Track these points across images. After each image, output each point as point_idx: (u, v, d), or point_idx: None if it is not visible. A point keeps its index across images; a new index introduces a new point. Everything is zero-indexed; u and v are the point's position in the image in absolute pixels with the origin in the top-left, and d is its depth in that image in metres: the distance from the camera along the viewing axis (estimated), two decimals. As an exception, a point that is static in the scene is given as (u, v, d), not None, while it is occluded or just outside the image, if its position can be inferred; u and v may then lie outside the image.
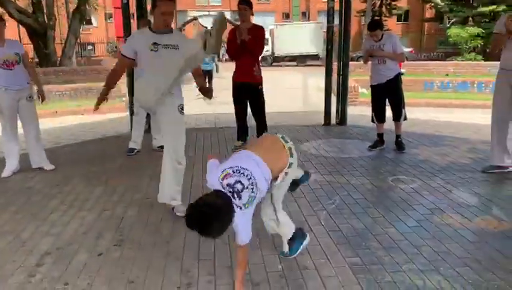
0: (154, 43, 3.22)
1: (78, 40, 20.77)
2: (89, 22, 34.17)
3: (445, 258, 2.77)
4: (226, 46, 5.55)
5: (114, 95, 12.58)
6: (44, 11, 16.43)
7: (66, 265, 2.76)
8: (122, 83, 13.63)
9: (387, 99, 5.40)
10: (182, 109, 3.44)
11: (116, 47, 34.97)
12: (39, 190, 4.21)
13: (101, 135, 7.71)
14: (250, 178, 2.17)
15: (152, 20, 4.41)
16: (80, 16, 16.49)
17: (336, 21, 6.82)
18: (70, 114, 10.58)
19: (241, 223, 2.19)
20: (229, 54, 5.56)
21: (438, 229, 3.20)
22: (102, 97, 3.54)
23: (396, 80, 5.27)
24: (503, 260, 2.74)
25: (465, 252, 2.86)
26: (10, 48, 4.44)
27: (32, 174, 4.66)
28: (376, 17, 32.65)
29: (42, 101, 4.84)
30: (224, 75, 22.09)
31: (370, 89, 5.56)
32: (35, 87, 4.84)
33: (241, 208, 2.14)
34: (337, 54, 6.96)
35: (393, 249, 2.91)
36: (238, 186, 2.13)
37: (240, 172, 2.18)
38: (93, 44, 34.76)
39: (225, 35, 4.08)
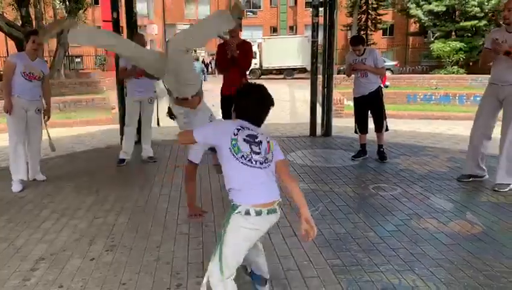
0: None
1: (66, 53, 20.84)
2: (77, 35, 34.16)
3: (420, 259, 2.95)
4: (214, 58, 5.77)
5: (103, 108, 12.73)
6: (33, 24, 16.51)
7: (60, 269, 2.87)
8: (112, 95, 13.76)
9: (369, 111, 5.62)
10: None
11: (104, 60, 35.08)
12: (31, 199, 4.31)
13: (91, 146, 7.81)
14: None
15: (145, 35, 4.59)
16: (69, 29, 16.57)
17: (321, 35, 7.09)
18: (59, 126, 10.63)
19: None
20: (218, 68, 5.74)
21: (415, 233, 3.38)
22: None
23: (378, 92, 5.50)
24: (473, 260, 2.93)
25: (439, 253, 3.04)
26: (39, 64, 4.71)
27: (25, 184, 4.74)
28: (360, 33, 33.38)
29: (47, 118, 4.95)
30: (206, 88, 22.37)
31: (353, 101, 5.78)
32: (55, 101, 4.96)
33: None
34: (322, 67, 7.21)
35: (372, 251, 3.08)
36: None
37: None
38: (81, 56, 34.77)
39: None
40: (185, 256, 3.04)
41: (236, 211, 2.06)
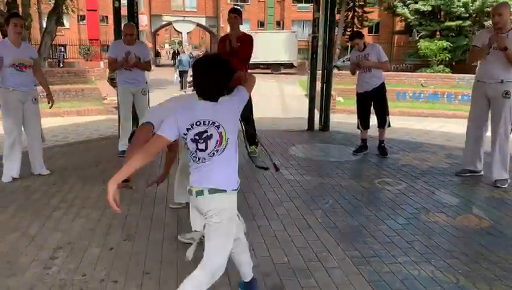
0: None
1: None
2: (61, 24, 33.53)
3: (435, 252, 3.03)
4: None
5: (94, 98, 12.56)
6: (20, 11, 16.10)
7: (80, 258, 2.85)
8: (102, 85, 13.60)
9: (371, 107, 5.69)
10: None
11: (88, 50, 34.51)
12: (36, 189, 4.25)
13: (85, 136, 7.72)
14: None
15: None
16: (57, 17, 16.24)
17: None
18: (49, 116, 10.44)
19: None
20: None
21: (426, 226, 3.46)
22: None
23: (382, 88, 5.57)
24: (486, 252, 3.02)
25: (453, 246, 3.13)
26: (25, 51, 4.46)
27: (27, 173, 4.65)
28: (347, 30, 33.62)
29: (51, 104, 4.75)
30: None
31: (356, 96, 5.83)
32: (41, 91, 4.80)
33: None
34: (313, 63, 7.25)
35: (387, 243, 3.15)
36: None
37: None
38: (64, 46, 34.11)
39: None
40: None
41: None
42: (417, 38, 30.35)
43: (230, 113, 2.07)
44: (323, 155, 5.76)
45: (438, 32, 29.28)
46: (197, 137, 2.00)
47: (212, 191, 2.03)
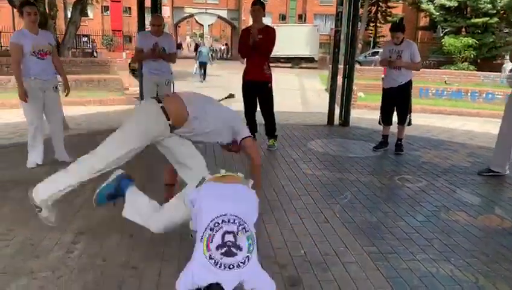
0: None
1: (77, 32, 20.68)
2: (85, 14, 33.99)
3: (455, 250, 2.99)
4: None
5: (116, 88, 12.73)
6: (46, 0, 16.37)
7: (101, 243, 2.92)
8: (124, 76, 13.78)
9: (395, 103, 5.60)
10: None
11: (111, 40, 34.95)
12: (60, 174, 4.33)
13: (108, 126, 7.82)
14: None
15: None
16: (81, 8, 16.45)
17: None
18: (72, 104, 10.64)
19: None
20: (241, 53, 5.72)
21: (446, 225, 3.42)
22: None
23: (408, 86, 5.47)
24: (508, 253, 2.98)
25: (473, 245, 3.08)
26: (44, 37, 4.49)
27: (50, 160, 4.76)
28: (369, 25, 33.16)
29: (67, 92, 4.79)
30: (218, 73, 22.36)
31: (382, 92, 5.75)
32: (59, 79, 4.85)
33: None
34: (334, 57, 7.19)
35: (406, 240, 3.12)
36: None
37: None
38: (88, 36, 34.61)
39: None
40: (222, 236, 3.08)
41: None
42: (441, 34, 29.75)
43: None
44: (343, 150, 5.73)
45: (463, 29, 28.64)
46: (221, 243, 1.89)
47: None
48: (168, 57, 5.53)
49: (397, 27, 5.53)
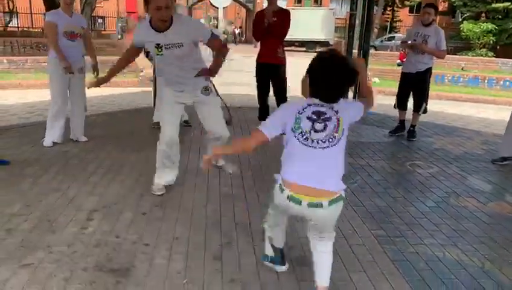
0: (158, 45, 3.10)
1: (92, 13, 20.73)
2: (100, -5, 33.99)
3: (463, 236, 3.01)
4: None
5: (130, 70, 12.77)
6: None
7: (114, 221, 3.00)
8: (140, 59, 13.83)
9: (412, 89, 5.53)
10: (206, 90, 3.47)
11: (126, 22, 34.94)
12: (75, 154, 4.44)
13: (121, 107, 7.92)
14: None
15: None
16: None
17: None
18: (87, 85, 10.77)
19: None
20: (255, 36, 5.71)
21: (455, 211, 3.43)
22: (103, 81, 3.65)
23: (426, 73, 5.37)
24: (516, 240, 2.98)
25: (481, 231, 3.10)
26: (77, 20, 4.61)
27: (65, 139, 4.84)
28: (387, 9, 32.48)
29: (97, 74, 4.83)
30: (233, 57, 22.25)
31: (400, 75, 5.67)
32: (88, 61, 4.89)
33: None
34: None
35: (414, 225, 3.15)
36: None
37: None
38: (103, 18, 34.67)
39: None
40: (231, 217, 3.14)
41: (277, 184, 2.05)
42: (460, 20, 29.10)
43: (350, 111, 2.02)
44: (355, 135, 5.72)
45: (483, 14, 27.96)
46: (314, 116, 1.94)
47: (329, 197, 1.95)
48: None
49: (431, 4, 5.37)
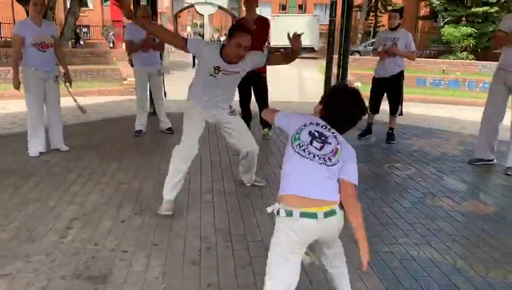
0: (217, 68, 3.12)
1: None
2: (85, 5, 33.86)
3: (437, 235, 3.09)
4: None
5: (115, 78, 12.78)
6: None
7: (93, 229, 3.02)
8: (123, 66, 13.79)
9: (385, 93, 5.65)
10: (232, 111, 3.51)
11: (110, 31, 34.83)
12: (56, 163, 4.44)
13: (104, 116, 7.91)
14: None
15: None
16: (80, -2, 16.46)
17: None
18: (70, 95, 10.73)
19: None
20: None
21: (430, 210, 3.52)
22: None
23: (400, 76, 5.51)
24: (488, 237, 3.07)
25: (455, 230, 3.18)
26: (46, 29, 4.56)
27: (46, 149, 4.83)
28: (370, 14, 32.88)
29: (70, 84, 4.84)
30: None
31: (372, 80, 5.81)
32: (62, 70, 4.88)
33: None
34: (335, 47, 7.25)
35: (390, 225, 3.22)
36: None
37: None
38: (88, 27, 34.53)
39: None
40: (211, 222, 3.18)
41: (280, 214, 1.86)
42: (442, 24, 29.60)
43: (348, 157, 1.95)
44: (336, 139, 5.81)
45: (463, 18, 28.49)
46: (316, 134, 1.92)
47: (327, 209, 1.84)
48: (157, 46, 5.56)
49: (395, 9, 5.56)
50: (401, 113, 5.68)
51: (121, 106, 9.24)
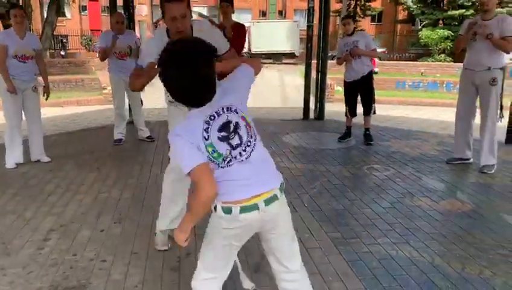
0: None
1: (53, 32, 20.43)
2: (63, 14, 33.49)
3: (415, 233, 3.13)
4: None
5: (94, 88, 12.67)
6: (20, 1, 16.16)
7: (72, 239, 2.98)
8: (102, 75, 13.70)
9: (359, 95, 5.75)
10: None
11: (90, 40, 34.52)
12: (34, 175, 4.38)
13: (84, 126, 7.83)
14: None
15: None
16: (57, 7, 16.30)
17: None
18: (49, 106, 10.56)
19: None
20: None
21: (409, 210, 3.56)
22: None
23: (370, 76, 5.66)
24: (464, 234, 3.12)
25: (433, 228, 3.23)
26: (29, 42, 4.53)
27: (25, 160, 4.76)
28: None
29: (47, 97, 4.79)
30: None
31: (344, 85, 5.90)
32: (41, 81, 4.84)
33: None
34: (315, 52, 7.33)
35: (369, 226, 3.25)
36: None
37: None
38: (66, 36, 34.16)
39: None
40: (192, 228, 3.16)
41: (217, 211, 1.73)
42: (420, 27, 30.15)
43: (241, 88, 1.73)
44: (316, 143, 5.86)
45: (440, 21, 29.08)
46: (224, 133, 1.61)
47: (269, 200, 1.67)
48: (133, 53, 5.54)
49: (347, 15, 5.86)
50: (375, 112, 5.77)
51: (100, 116, 9.16)
